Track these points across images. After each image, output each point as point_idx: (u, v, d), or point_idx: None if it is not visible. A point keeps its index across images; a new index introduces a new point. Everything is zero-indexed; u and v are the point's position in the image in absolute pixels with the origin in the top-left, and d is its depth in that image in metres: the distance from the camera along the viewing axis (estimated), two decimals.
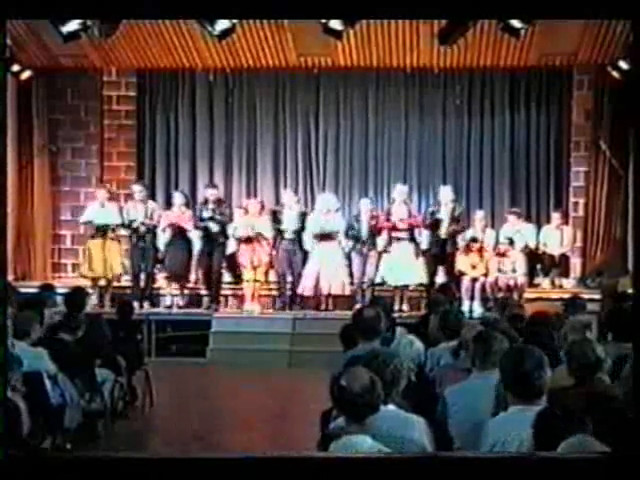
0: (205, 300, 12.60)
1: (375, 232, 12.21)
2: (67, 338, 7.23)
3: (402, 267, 12.03)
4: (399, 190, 12.54)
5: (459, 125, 13.87)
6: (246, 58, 13.40)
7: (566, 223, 13.15)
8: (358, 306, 10.40)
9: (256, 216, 12.36)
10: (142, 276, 12.52)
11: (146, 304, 12.38)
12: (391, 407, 4.11)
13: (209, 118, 14.13)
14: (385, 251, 12.15)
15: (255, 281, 12.25)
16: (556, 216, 12.99)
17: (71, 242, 13.95)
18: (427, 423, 4.15)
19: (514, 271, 12.14)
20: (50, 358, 6.63)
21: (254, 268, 12.18)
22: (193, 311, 12.49)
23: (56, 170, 14.04)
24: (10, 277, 12.11)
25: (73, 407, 6.66)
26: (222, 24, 9.95)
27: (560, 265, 12.81)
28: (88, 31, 10.35)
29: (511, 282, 12.01)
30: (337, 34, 10.34)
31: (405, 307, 12.24)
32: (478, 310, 11.72)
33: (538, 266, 12.87)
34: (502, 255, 12.19)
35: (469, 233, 12.47)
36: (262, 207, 12.69)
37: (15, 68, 12.53)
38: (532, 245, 12.70)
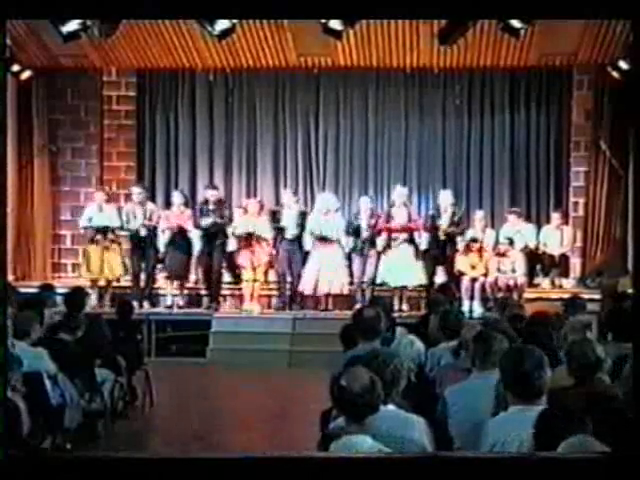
0: (205, 300, 12.60)
1: (375, 233, 12.21)
2: (67, 338, 7.22)
3: (401, 268, 12.04)
4: (399, 192, 12.54)
5: (459, 125, 13.87)
6: (246, 58, 13.40)
7: (566, 223, 13.15)
8: (358, 306, 10.40)
9: (255, 216, 12.35)
10: (142, 276, 12.52)
11: (146, 304, 12.39)
12: (391, 407, 4.11)
13: (209, 118, 14.13)
14: (384, 252, 12.14)
15: (254, 281, 12.25)
16: (556, 216, 12.99)
17: (71, 242, 13.95)
18: (427, 423, 4.15)
19: (514, 271, 12.14)
20: (50, 358, 6.63)
21: (254, 268, 12.19)
22: (193, 311, 12.49)
23: (56, 170, 14.04)
24: (10, 277, 12.11)
25: (73, 407, 6.66)
26: (222, 24, 9.95)
27: (560, 265, 12.81)
28: (88, 31, 10.35)
29: (511, 282, 12.00)
30: (337, 34, 10.34)
31: (405, 307, 12.25)
32: (478, 310, 11.72)
33: (538, 266, 12.87)
34: (502, 255, 12.19)
35: (469, 233, 12.47)
36: (261, 207, 12.69)
37: (15, 68, 12.53)
38: (532, 245, 12.70)
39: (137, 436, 8.07)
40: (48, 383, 6.33)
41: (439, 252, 12.30)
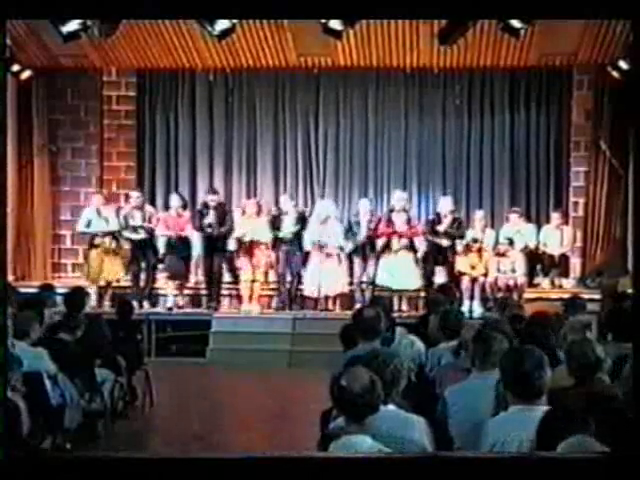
0: (205, 300, 12.60)
1: (374, 236, 12.21)
2: (67, 338, 7.22)
3: (400, 273, 12.04)
4: (398, 197, 12.54)
5: (459, 125, 13.87)
6: (246, 58, 13.40)
7: (566, 223, 13.14)
8: (358, 306, 10.40)
9: (253, 217, 12.35)
10: (142, 276, 12.52)
11: (146, 304, 12.39)
12: (391, 407, 4.11)
13: (209, 118, 14.13)
14: (383, 254, 12.14)
15: (253, 281, 12.25)
16: (556, 216, 12.98)
17: (71, 242, 13.94)
18: (427, 423, 4.15)
19: (514, 271, 12.14)
20: (50, 358, 6.63)
21: (253, 270, 12.19)
22: (193, 311, 12.50)
23: (56, 170, 14.04)
24: (10, 277, 12.11)
25: (73, 407, 6.66)
26: (222, 24, 9.94)
27: (560, 265, 12.81)
28: (88, 31, 10.34)
29: (511, 282, 12.01)
30: (337, 34, 10.34)
31: (405, 307, 12.25)
32: (478, 310, 11.73)
33: (538, 266, 12.86)
34: (502, 255, 12.19)
35: (469, 233, 12.47)
36: (259, 208, 12.69)
37: (15, 68, 12.53)
38: (532, 245, 12.70)
39: (137, 436, 8.07)
40: (48, 383, 6.33)
41: (438, 252, 12.30)
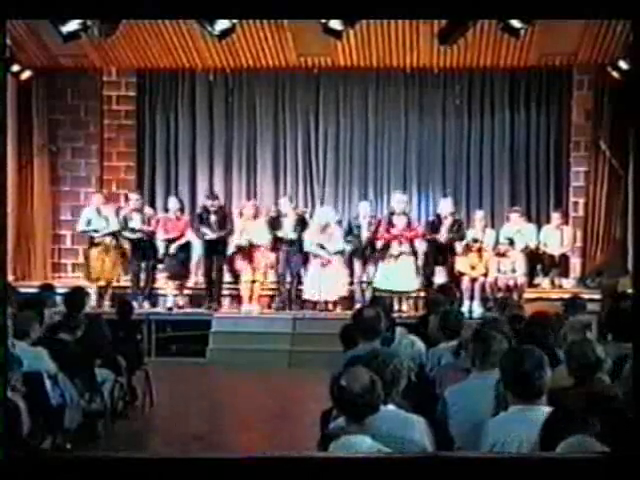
0: (205, 300, 12.59)
1: (374, 239, 12.21)
2: (67, 338, 7.22)
3: (400, 278, 12.04)
4: (398, 199, 12.53)
5: (459, 125, 13.87)
6: (246, 58, 13.40)
7: (566, 223, 13.14)
8: (358, 306, 10.40)
9: (251, 219, 12.34)
10: (142, 276, 12.53)
11: (146, 304, 12.39)
12: (391, 407, 4.11)
13: (209, 118, 14.13)
14: (383, 257, 12.14)
15: (253, 282, 12.25)
16: (556, 216, 12.98)
17: (71, 242, 13.94)
18: (427, 423, 4.15)
19: (514, 271, 12.14)
20: (50, 358, 6.63)
21: (253, 271, 12.20)
22: (193, 311, 12.49)
23: (56, 170, 14.04)
24: (10, 277, 12.11)
25: (73, 407, 6.66)
26: (222, 24, 9.94)
27: (560, 265, 12.81)
28: (88, 31, 10.34)
29: (511, 282, 12.00)
30: (337, 34, 10.33)
31: (405, 307, 12.25)
32: (478, 310, 11.72)
33: (538, 266, 12.86)
34: (502, 255, 12.19)
35: (469, 233, 12.47)
36: (257, 210, 12.70)
37: (15, 68, 12.53)
38: (533, 245, 12.70)
39: (137, 436, 8.07)
40: (48, 383, 6.33)
41: (438, 253, 12.29)
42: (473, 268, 12.05)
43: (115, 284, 12.53)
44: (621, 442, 3.14)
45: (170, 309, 12.38)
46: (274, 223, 12.41)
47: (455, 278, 11.96)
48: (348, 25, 10.27)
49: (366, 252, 12.26)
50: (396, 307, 11.90)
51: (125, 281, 12.64)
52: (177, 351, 11.97)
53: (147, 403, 8.74)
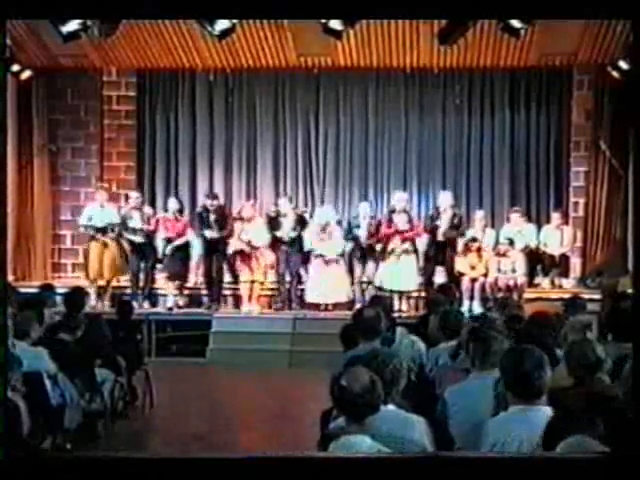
0: (205, 300, 12.60)
1: (375, 240, 12.20)
2: (67, 338, 7.22)
3: (401, 278, 12.04)
4: (399, 197, 12.53)
5: (459, 125, 13.87)
6: (246, 58, 13.40)
7: (566, 223, 13.14)
8: (358, 306, 10.40)
9: (250, 220, 12.34)
10: (141, 275, 12.53)
11: (146, 304, 12.39)
12: (391, 407, 4.11)
13: (209, 118, 14.13)
14: (383, 257, 12.14)
15: (252, 282, 12.25)
16: (556, 216, 12.98)
17: (71, 242, 13.95)
18: (427, 423, 4.15)
19: (514, 271, 12.13)
20: (50, 358, 6.63)
21: (253, 270, 12.19)
22: (193, 311, 12.49)
23: (56, 170, 14.04)
24: (10, 277, 12.11)
25: (73, 407, 6.66)
26: (222, 24, 9.94)
27: (560, 265, 12.81)
28: (88, 31, 10.33)
29: (511, 282, 12.00)
30: (337, 34, 10.33)
31: (405, 307, 12.25)
32: (478, 310, 11.70)
33: (538, 266, 12.86)
34: (502, 255, 12.18)
35: (469, 233, 12.47)
36: (256, 211, 12.70)
37: (15, 68, 12.53)
38: (533, 245, 12.70)
39: (137, 436, 8.07)
40: (48, 383, 6.33)
41: (438, 251, 12.29)
42: (473, 268, 12.05)
43: (115, 284, 12.53)
44: (621, 442, 3.14)
45: (170, 309, 12.37)
46: (273, 223, 12.41)
47: (455, 278, 11.96)
48: (348, 25, 10.26)
49: (366, 252, 12.26)
50: (396, 307, 11.88)
51: (125, 281, 12.64)
52: (177, 351, 11.97)
53: (147, 403, 8.74)
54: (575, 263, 13.27)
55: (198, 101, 14.11)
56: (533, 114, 13.78)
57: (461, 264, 12.09)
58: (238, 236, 12.17)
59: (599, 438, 3.12)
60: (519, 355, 4.14)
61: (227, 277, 12.68)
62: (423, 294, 12.04)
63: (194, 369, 11.13)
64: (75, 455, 3.23)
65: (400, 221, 12.13)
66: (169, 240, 12.27)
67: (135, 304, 10.60)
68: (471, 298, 11.94)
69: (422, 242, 12.38)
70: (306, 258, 12.44)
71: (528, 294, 11.99)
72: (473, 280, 12.01)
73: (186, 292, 12.69)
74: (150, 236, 12.41)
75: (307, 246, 12.36)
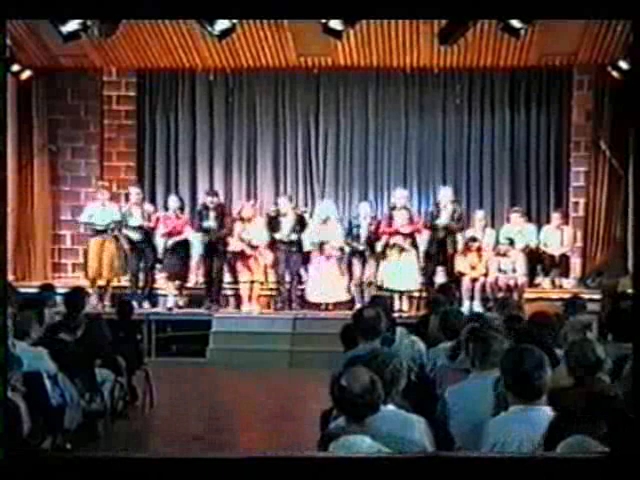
0: (205, 300, 12.59)
1: (375, 238, 12.20)
2: (67, 338, 7.22)
3: (402, 275, 12.04)
4: (399, 194, 12.53)
5: (459, 125, 13.87)
6: (246, 58, 13.40)
7: (566, 223, 13.14)
8: (358, 306, 10.40)
9: (249, 220, 12.33)
10: (141, 275, 12.52)
11: (146, 304, 12.39)
12: (391, 407, 4.11)
13: (209, 118, 14.13)
14: (384, 256, 12.14)
15: (252, 282, 12.25)
16: (556, 216, 12.98)
17: (71, 242, 13.95)
18: (427, 423, 4.15)
19: (514, 271, 12.13)
20: (50, 358, 6.63)
21: (253, 270, 12.19)
22: (193, 311, 12.49)
23: (56, 170, 14.04)
24: (10, 277, 12.10)
25: (73, 407, 6.66)
26: (222, 24, 9.94)
27: (560, 265, 12.80)
28: (88, 31, 10.33)
29: (511, 282, 12.00)
30: (337, 34, 10.33)
31: (405, 307, 12.24)
32: (478, 310, 11.70)
33: (538, 266, 12.86)
34: (502, 255, 12.18)
35: (469, 233, 12.46)
36: (255, 211, 12.69)
37: (15, 68, 12.53)
38: (533, 245, 12.70)
39: (137, 436, 8.08)
40: (48, 383, 6.33)
41: (439, 251, 12.28)
42: (473, 268, 12.05)
43: (115, 284, 12.53)
44: (621, 442, 3.14)
45: (170, 309, 12.37)
46: (273, 223, 12.41)
47: (455, 278, 11.96)
48: (348, 25, 10.26)
49: (366, 252, 12.26)
50: (397, 307, 11.88)
51: (125, 281, 12.64)
52: (177, 351, 11.97)
53: (147, 403, 8.74)
54: (575, 263, 13.27)
55: (198, 101, 14.11)
56: (533, 114, 13.78)
57: (461, 264, 12.09)
58: (238, 236, 12.17)
59: (599, 438, 3.12)
60: (519, 355, 4.14)
61: (227, 277, 12.69)
62: (424, 294, 12.04)
63: (194, 369, 11.12)
64: (75, 455, 3.24)
65: (400, 218, 12.12)
66: (169, 234, 12.26)
67: (135, 304, 10.59)
68: (471, 298, 11.94)
69: (423, 240, 12.38)
70: (306, 258, 12.44)
71: (528, 294, 11.99)
72: (473, 280, 12.01)
73: (186, 292, 12.68)
74: (150, 234, 12.41)
75: (307, 246, 12.36)
